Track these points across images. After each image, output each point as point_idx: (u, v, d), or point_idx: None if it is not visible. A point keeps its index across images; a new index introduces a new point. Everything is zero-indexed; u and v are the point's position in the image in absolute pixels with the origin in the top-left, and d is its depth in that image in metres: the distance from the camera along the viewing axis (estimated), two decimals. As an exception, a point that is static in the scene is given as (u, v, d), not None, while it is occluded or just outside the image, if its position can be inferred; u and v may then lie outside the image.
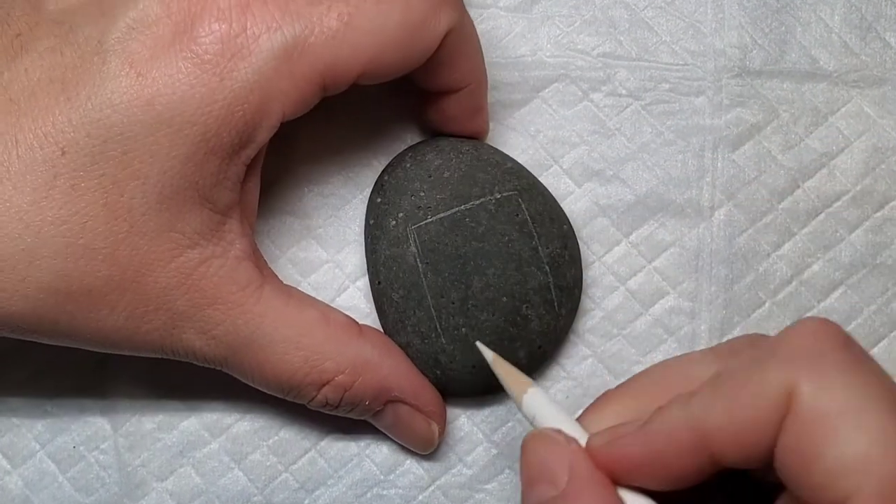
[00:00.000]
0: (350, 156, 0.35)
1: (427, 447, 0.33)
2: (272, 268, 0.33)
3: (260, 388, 0.30)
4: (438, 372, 0.31)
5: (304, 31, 0.26)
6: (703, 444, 0.22)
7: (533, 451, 0.25)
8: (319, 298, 0.33)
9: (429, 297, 0.31)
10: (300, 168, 0.35)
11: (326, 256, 0.35)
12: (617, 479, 0.24)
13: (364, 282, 0.34)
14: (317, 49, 0.26)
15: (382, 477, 0.34)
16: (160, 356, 0.29)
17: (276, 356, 0.29)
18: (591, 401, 0.29)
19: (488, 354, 0.28)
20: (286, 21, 0.26)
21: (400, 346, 0.32)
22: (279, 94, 0.26)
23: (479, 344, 0.29)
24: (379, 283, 0.32)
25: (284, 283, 0.31)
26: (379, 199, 0.32)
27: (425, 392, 0.32)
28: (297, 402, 0.30)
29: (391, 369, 0.31)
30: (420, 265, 0.31)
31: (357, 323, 0.31)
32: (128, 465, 0.34)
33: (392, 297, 0.31)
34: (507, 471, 0.34)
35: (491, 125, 0.35)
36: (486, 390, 0.33)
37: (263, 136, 0.27)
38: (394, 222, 0.32)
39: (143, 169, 0.26)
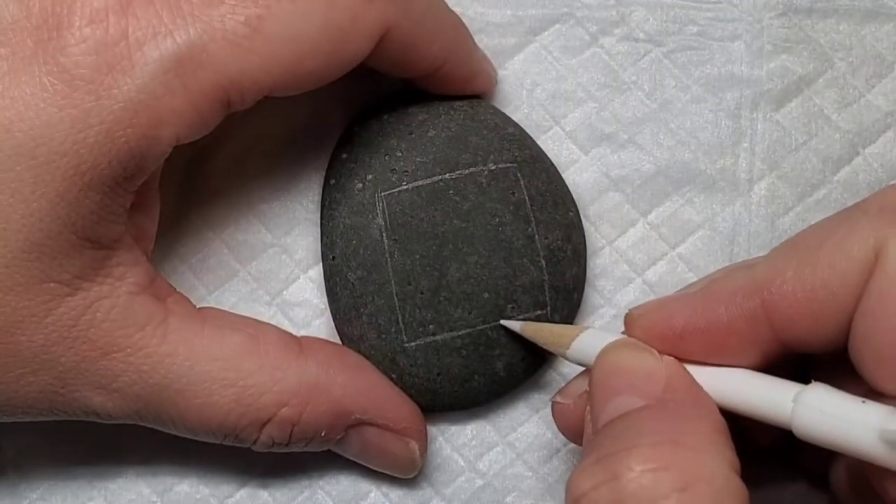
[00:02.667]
0: (305, 111, 0.31)
1: (409, 470, 0.30)
2: (204, 254, 0.31)
3: (189, 437, 0.27)
4: (394, 376, 0.29)
5: (202, 38, 0.24)
6: (766, 311, 0.22)
7: (617, 358, 0.23)
8: (262, 290, 0.31)
9: (392, 283, 0.28)
10: (239, 128, 0.31)
11: (272, 239, 0.31)
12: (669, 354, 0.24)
13: (317, 271, 0.31)
14: (218, 59, 0.24)
15: (341, 513, 0.31)
16: (51, 418, 0.26)
17: (200, 400, 0.26)
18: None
19: (515, 325, 0.28)
20: (178, 25, 0.24)
21: (351, 339, 0.29)
22: (171, 114, 0.24)
23: (504, 322, 0.28)
24: (333, 258, 0.29)
25: (200, 303, 0.28)
26: (344, 155, 0.30)
27: (395, 406, 0.29)
28: (239, 445, 0.27)
29: (345, 387, 0.27)
30: (386, 241, 0.28)
31: (295, 337, 0.28)
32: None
33: (348, 276, 0.29)
34: (495, 506, 0.31)
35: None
36: (451, 405, 0.30)
37: (152, 164, 0.25)
38: (360, 185, 0.29)
39: (3, 212, 0.23)
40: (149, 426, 0.27)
